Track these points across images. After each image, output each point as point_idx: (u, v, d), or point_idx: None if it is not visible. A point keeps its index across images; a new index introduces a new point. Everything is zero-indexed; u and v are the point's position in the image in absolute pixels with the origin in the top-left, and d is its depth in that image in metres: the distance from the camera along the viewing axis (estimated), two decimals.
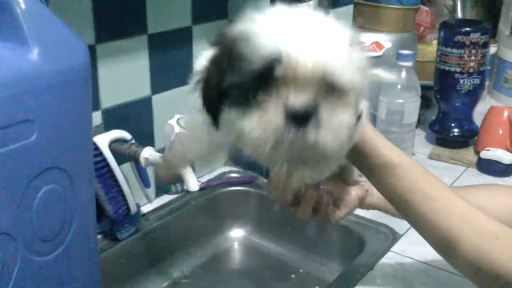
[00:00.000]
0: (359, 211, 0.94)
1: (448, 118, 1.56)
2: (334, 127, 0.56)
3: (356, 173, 0.85)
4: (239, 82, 0.56)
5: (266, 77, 0.54)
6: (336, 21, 0.59)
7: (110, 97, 1.10)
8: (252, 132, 0.55)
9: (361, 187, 0.86)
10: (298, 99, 0.54)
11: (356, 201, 0.86)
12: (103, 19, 1.04)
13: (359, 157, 0.73)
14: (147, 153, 1.04)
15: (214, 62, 0.60)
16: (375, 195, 0.88)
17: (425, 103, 1.71)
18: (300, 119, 0.54)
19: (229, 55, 0.57)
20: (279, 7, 0.60)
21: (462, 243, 0.67)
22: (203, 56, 0.67)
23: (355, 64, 0.57)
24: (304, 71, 0.54)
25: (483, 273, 0.66)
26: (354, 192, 0.86)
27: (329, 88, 0.55)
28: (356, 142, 0.69)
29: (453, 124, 1.55)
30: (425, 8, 1.89)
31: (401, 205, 0.74)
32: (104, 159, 1.04)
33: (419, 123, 1.62)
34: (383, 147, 0.73)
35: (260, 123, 0.55)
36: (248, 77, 0.55)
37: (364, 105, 0.65)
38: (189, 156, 0.74)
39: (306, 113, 0.54)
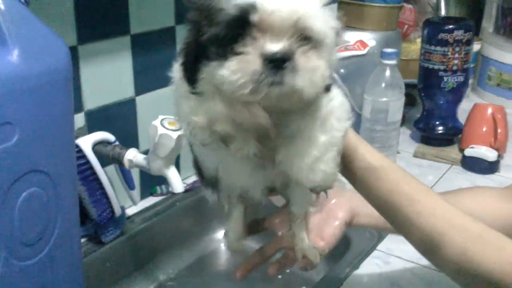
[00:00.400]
0: None
1: (432, 116, 1.57)
2: (309, 70, 0.58)
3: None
4: (216, 34, 0.57)
5: (241, 25, 0.56)
6: None
7: (93, 99, 1.09)
8: (231, 76, 0.57)
9: (349, 209, 0.87)
10: (274, 45, 0.56)
11: (344, 226, 0.87)
12: (85, 20, 1.03)
13: (342, 162, 0.72)
14: (131, 154, 1.03)
15: (192, 23, 0.61)
16: (362, 215, 0.88)
17: (410, 101, 1.72)
18: (277, 63, 0.56)
19: (205, 12, 0.59)
20: None
21: (445, 244, 0.67)
22: None
23: (326, 17, 0.59)
24: (278, 17, 0.56)
25: (466, 273, 0.66)
26: (341, 215, 0.87)
27: (303, 38, 0.57)
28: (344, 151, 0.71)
29: (437, 122, 1.56)
30: (408, 6, 1.90)
31: (384, 209, 0.74)
32: (88, 162, 1.02)
33: (404, 121, 1.62)
34: (365, 151, 0.74)
35: (239, 68, 0.56)
36: (224, 26, 0.57)
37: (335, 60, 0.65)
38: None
39: (282, 57, 0.56)
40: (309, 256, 0.85)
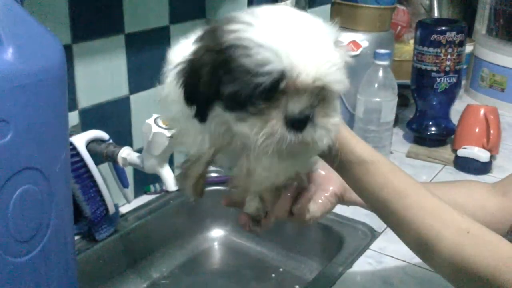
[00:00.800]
0: (337, 209, 0.94)
1: (425, 116, 1.58)
2: (327, 127, 0.61)
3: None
4: (239, 93, 0.58)
5: (268, 90, 0.57)
6: (324, 23, 0.62)
7: (87, 97, 1.09)
8: (253, 136, 0.59)
9: (339, 183, 0.86)
10: (296, 106, 0.58)
11: (334, 198, 0.87)
12: (79, 18, 1.03)
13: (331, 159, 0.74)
14: (125, 153, 1.03)
15: (209, 64, 0.60)
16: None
17: (403, 102, 1.73)
18: (299, 123, 0.59)
19: (226, 61, 0.59)
20: (267, 8, 0.62)
21: (434, 239, 0.68)
22: (181, 46, 0.69)
23: (341, 64, 0.60)
24: (305, 83, 0.57)
25: (456, 268, 0.66)
26: (331, 188, 0.86)
27: (322, 95, 0.60)
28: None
29: (430, 123, 1.57)
30: (401, 7, 1.91)
31: (373, 202, 0.75)
32: (82, 159, 1.03)
33: (397, 121, 1.63)
34: (355, 145, 0.74)
35: (262, 130, 0.58)
36: (249, 89, 0.57)
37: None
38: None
39: (303, 119, 0.59)
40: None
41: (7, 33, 0.68)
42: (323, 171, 0.86)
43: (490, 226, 0.69)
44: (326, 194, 0.86)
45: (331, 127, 0.61)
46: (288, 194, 0.82)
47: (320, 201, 0.85)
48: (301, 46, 0.57)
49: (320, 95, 0.59)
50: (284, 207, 0.82)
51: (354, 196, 0.86)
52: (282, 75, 0.56)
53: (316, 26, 0.61)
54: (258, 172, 0.67)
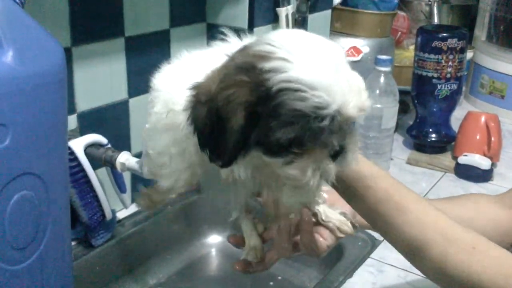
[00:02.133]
0: None
1: (425, 123, 1.57)
2: (355, 149, 0.61)
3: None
4: (300, 137, 0.55)
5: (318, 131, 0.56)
6: (339, 48, 0.60)
7: (86, 101, 1.08)
8: (301, 176, 0.58)
9: (348, 207, 0.83)
10: (339, 140, 0.58)
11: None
12: (79, 21, 1.02)
13: None
14: (124, 158, 1.02)
15: (246, 106, 0.55)
16: None
17: (403, 108, 1.72)
18: (338, 154, 0.60)
19: (274, 106, 0.54)
20: (287, 35, 0.59)
21: (438, 256, 0.66)
22: (166, 71, 0.68)
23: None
24: (350, 119, 0.57)
25: (462, 286, 0.65)
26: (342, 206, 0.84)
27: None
28: None
29: (430, 129, 1.56)
30: (402, 13, 1.91)
31: (373, 218, 0.73)
32: (79, 164, 1.01)
33: (397, 128, 1.62)
34: None
35: (310, 170, 0.58)
36: (314, 133, 0.55)
37: None
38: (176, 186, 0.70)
39: (342, 149, 0.60)
40: (342, 228, 0.83)
41: (7, 36, 0.67)
42: (328, 194, 0.84)
43: (502, 239, 0.67)
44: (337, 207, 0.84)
45: (356, 147, 0.61)
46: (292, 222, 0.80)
47: (333, 210, 0.83)
48: (344, 82, 0.56)
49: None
50: (285, 244, 0.80)
51: (363, 219, 0.83)
52: (334, 116, 0.55)
53: (341, 54, 0.59)
54: (284, 200, 0.64)
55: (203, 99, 0.57)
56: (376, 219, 0.72)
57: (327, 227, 0.82)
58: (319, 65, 0.55)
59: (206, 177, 0.71)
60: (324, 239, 0.82)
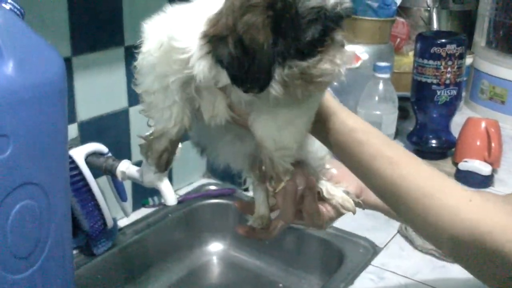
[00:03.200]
0: (337, 224, 0.93)
1: (425, 129, 1.57)
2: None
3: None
4: (325, 30, 0.60)
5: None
6: None
7: (86, 110, 1.08)
8: (330, 69, 0.60)
9: (355, 183, 0.83)
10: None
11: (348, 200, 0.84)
12: (79, 31, 1.02)
13: (323, 129, 0.71)
14: (124, 166, 1.02)
15: (264, 21, 0.58)
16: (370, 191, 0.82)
17: (403, 114, 1.72)
18: None
19: (287, 8, 0.58)
20: None
21: (432, 208, 0.65)
22: (159, 18, 0.67)
23: None
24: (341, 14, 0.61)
25: (455, 236, 0.64)
26: (346, 185, 0.83)
27: None
28: (319, 114, 0.70)
29: (430, 136, 1.56)
30: (401, 19, 1.91)
31: (367, 175, 0.72)
32: (80, 173, 1.02)
33: (397, 134, 1.63)
34: (346, 116, 0.72)
35: (339, 60, 0.61)
36: (318, 31, 0.59)
37: None
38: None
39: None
40: (345, 204, 0.82)
41: (8, 47, 0.68)
42: (336, 169, 0.84)
43: None
44: (338, 195, 0.82)
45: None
46: (299, 192, 0.78)
47: (336, 187, 0.83)
48: None
49: None
50: (295, 203, 0.78)
51: (371, 197, 0.83)
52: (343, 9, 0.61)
53: None
54: (284, 135, 0.65)
55: (224, 33, 0.59)
56: (370, 176, 0.71)
57: (329, 204, 0.82)
58: None
59: (202, 133, 0.74)
60: (327, 211, 0.82)
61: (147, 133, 0.73)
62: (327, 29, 0.59)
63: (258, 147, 0.68)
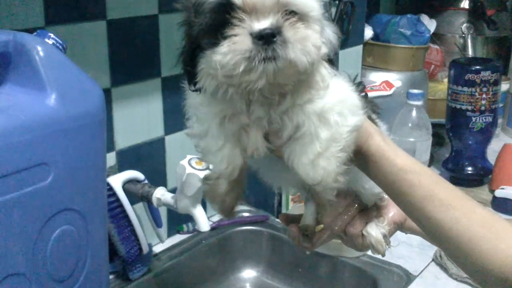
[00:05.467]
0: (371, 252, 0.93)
1: (461, 156, 1.56)
2: (299, 40, 0.59)
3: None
4: (204, 23, 0.60)
5: (226, 10, 0.59)
6: None
7: (124, 138, 1.12)
8: (223, 58, 0.59)
9: (396, 211, 0.83)
10: (261, 23, 0.59)
11: (393, 225, 0.83)
12: (118, 63, 1.07)
13: (372, 169, 0.71)
14: (159, 193, 1.05)
15: (184, 22, 0.63)
16: None
17: (438, 141, 1.71)
18: (266, 38, 0.58)
19: (193, 8, 0.62)
20: None
21: (487, 252, 0.64)
22: None
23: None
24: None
25: (505, 279, 0.63)
26: (391, 215, 0.83)
27: (289, 13, 0.60)
28: (367, 153, 0.69)
29: (466, 162, 1.55)
30: (435, 46, 1.91)
31: (418, 216, 0.70)
32: (118, 200, 1.05)
33: (433, 161, 1.62)
34: (394, 155, 0.70)
35: (230, 49, 0.58)
36: (209, 14, 0.59)
37: (331, 34, 0.67)
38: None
39: (270, 32, 0.58)
40: (377, 247, 0.82)
41: (51, 80, 0.72)
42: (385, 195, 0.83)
43: None
44: (385, 221, 0.83)
45: (303, 39, 0.60)
46: (350, 213, 0.80)
47: (378, 226, 0.82)
48: None
49: (289, 14, 0.60)
50: (343, 222, 0.79)
51: (414, 224, 0.79)
52: None
53: None
54: (317, 170, 0.65)
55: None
56: (421, 217, 0.70)
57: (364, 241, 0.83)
58: None
59: (256, 161, 0.73)
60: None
61: (203, 177, 0.74)
62: (219, 18, 0.59)
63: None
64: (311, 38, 0.61)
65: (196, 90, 0.65)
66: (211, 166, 0.71)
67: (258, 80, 0.59)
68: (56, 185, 0.72)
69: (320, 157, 0.65)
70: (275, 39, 0.58)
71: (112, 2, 1.03)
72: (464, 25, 1.96)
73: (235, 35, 0.59)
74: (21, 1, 0.90)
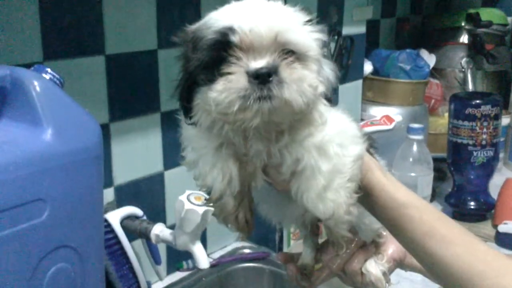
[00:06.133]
0: None
1: (463, 191, 1.55)
2: (295, 80, 0.59)
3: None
4: (201, 59, 0.60)
5: (223, 48, 0.59)
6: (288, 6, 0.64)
7: (123, 174, 1.11)
8: (218, 96, 0.59)
9: (400, 247, 0.81)
10: (257, 62, 0.58)
11: (393, 263, 0.83)
12: (117, 98, 1.07)
13: (372, 204, 0.70)
14: (158, 229, 1.03)
15: (181, 56, 0.64)
16: None
17: (440, 176, 1.70)
18: (262, 78, 0.58)
19: (191, 43, 0.62)
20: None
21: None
22: None
23: (306, 30, 0.62)
24: (257, 36, 0.58)
25: None
26: (391, 252, 0.82)
27: (286, 52, 0.60)
28: (367, 187, 0.68)
29: (469, 197, 1.53)
30: (435, 81, 1.92)
31: (419, 252, 0.69)
32: (116, 236, 1.03)
33: (435, 196, 1.60)
34: (394, 190, 0.69)
35: (225, 87, 0.58)
36: (207, 51, 0.59)
37: (329, 72, 0.66)
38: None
39: (267, 72, 0.58)
40: (377, 284, 0.81)
41: (47, 115, 0.71)
42: (384, 231, 0.82)
43: None
44: (385, 258, 0.82)
45: (299, 79, 0.59)
46: (348, 251, 0.79)
47: (377, 264, 0.81)
48: (253, 10, 0.60)
49: (286, 53, 0.59)
50: (341, 261, 0.79)
51: (414, 261, 0.79)
52: (229, 29, 0.58)
53: (275, 4, 0.62)
54: (327, 204, 0.64)
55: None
56: (422, 253, 0.68)
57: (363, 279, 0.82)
58: (237, 5, 0.62)
59: (257, 191, 0.72)
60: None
61: (204, 201, 0.73)
62: (214, 56, 0.59)
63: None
64: (308, 78, 0.60)
65: (192, 124, 0.65)
66: (209, 183, 0.69)
67: (252, 118, 0.59)
68: (52, 222, 0.70)
69: (327, 190, 0.64)
70: (271, 78, 0.58)
71: (111, 37, 1.04)
72: (464, 59, 1.98)
73: (231, 73, 0.58)
74: (19, 36, 0.91)
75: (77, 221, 0.74)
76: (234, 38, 0.58)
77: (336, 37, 1.50)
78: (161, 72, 1.14)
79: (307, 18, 0.63)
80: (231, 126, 0.61)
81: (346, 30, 1.55)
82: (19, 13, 0.90)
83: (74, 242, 0.74)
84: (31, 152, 0.69)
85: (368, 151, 0.72)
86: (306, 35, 0.62)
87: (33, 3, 0.92)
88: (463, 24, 1.99)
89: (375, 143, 0.82)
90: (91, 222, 0.78)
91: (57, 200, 0.71)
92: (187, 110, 0.65)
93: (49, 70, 0.79)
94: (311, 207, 0.65)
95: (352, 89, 1.59)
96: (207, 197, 0.70)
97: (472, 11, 1.97)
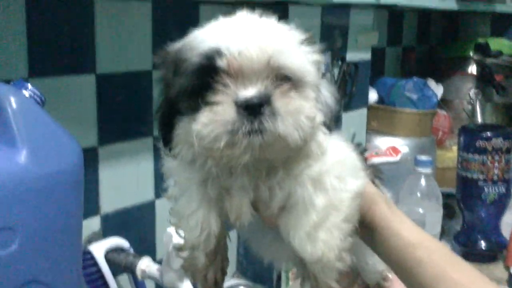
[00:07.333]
0: None
1: (473, 229, 1.47)
2: (291, 112, 0.52)
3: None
4: (183, 85, 0.54)
5: (209, 73, 0.52)
6: (283, 25, 0.57)
7: (110, 202, 1.05)
8: (203, 129, 0.52)
9: None
10: (247, 90, 0.52)
11: None
12: (107, 121, 1.01)
13: (376, 242, 0.64)
14: (144, 264, 0.96)
15: (162, 80, 0.58)
16: None
17: (448, 213, 1.62)
18: (253, 109, 0.51)
19: (172, 66, 0.55)
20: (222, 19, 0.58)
21: None
22: None
23: (303, 52, 0.55)
24: (247, 59, 0.52)
25: None
26: None
27: (281, 78, 0.53)
28: (371, 223, 0.62)
29: (479, 236, 1.46)
30: (442, 112, 1.86)
31: None
32: (99, 270, 0.97)
33: (443, 234, 1.52)
34: (400, 227, 0.63)
35: (211, 120, 0.52)
36: (190, 76, 0.53)
37: (328, 96, 0.60)
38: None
39: (258, 102, 0.51)
40: None
41: (22, 135, 0.66)
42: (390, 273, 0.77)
43: None
44: None
45: (295, 111, 0.52)
46: None
47: None
48: (243, 28, 0.53)
49: (280, 79, 0.53)
50: None
51: None
52: (216, 51, 0.51)
53: (268, 21, 0.56)
54: (317, 244, 0.57)
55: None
56: None
57: None
58: (224, 24, 0.55)
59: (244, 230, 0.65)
60: None
61: (176, 248, 0.66)
62: (198, 82, 0.53)
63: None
64: (305, 109, 0.54)
65: (172, 156, 0.58)
66: (182, 234, 0.63)
67: (241, 155, 0.52)
68: (22, 253, 0.64)
69: (318, 228, 0.57)
70: (262, 109, 0.51)
71: (103, 55, 0.98)
72: (472, 90, 1.93)
73: (217, 103, 0.52)
74: (3, 52, 0.85)
75: (51, 253, 0.68)
76: (221, 63, 0.52)
77: (340, 62, 1.45)
78: (155, 94, 1.08)
79: (303, 36, 0.57)
80: (215, 162, 0.55)
81: (351, 56, 1.49)
82: (4, 25, 0.85)
83: (47, 277, 0.67)
84: (1, 175, 0.62)
85: (373, 182, 0.66)
86: (303, 57, 0.55)
87: (20, 17, 0.86)
88: (471, 54, 1.94)
89: (382, 174, 0.76)
90: (68, 255, 0.71)
91: (29, 229, 0.64)
92: (167, 140, 0.58)
93: (29, 86, 0.73)
94: (298, 247, 0.58)
95: (357, 118, 1.53)
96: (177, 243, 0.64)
97: (481, 40, 1.93)
